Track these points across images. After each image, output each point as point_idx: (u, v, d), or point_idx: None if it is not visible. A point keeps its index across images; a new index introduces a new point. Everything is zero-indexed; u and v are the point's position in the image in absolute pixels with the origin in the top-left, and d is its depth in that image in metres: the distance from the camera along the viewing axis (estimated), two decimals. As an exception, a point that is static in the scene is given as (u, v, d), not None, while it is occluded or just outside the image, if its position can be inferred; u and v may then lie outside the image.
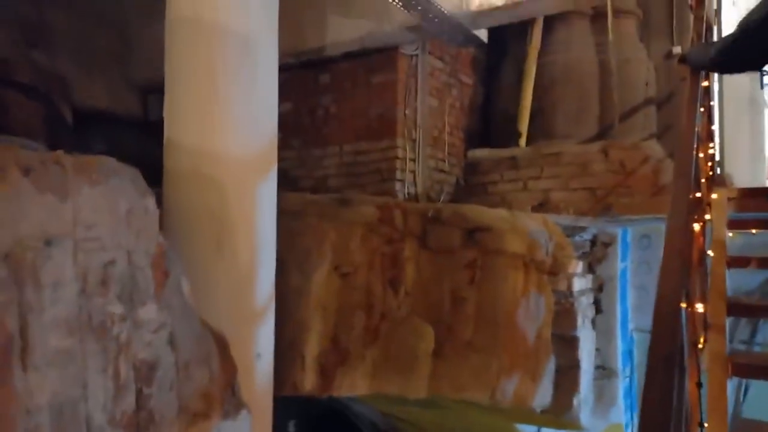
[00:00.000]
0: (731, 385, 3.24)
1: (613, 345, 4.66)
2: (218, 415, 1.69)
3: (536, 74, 5.19)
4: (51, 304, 1.33)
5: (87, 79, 4.89)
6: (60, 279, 1.35)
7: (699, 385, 2.06)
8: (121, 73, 5.21)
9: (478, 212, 3.57)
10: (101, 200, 1.43)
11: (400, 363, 3.12)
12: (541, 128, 5.25)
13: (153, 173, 2.20)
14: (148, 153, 2.75)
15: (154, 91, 4.97)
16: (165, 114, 2.34)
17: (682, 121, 2.83)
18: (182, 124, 2.27)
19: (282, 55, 3.35)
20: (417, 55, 4.56)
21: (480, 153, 5.07)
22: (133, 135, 4.95)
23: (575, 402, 4.06)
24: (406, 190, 4.53)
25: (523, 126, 5.18)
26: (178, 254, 1.83)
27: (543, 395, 3.79)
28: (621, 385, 4.66)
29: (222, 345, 1.79)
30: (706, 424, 2.10)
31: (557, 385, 4.02)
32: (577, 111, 5.20)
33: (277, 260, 2.60)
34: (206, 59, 2.22)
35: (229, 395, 1.76)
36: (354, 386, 2.94)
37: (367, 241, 3.12)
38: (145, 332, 1.50)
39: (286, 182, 4.63)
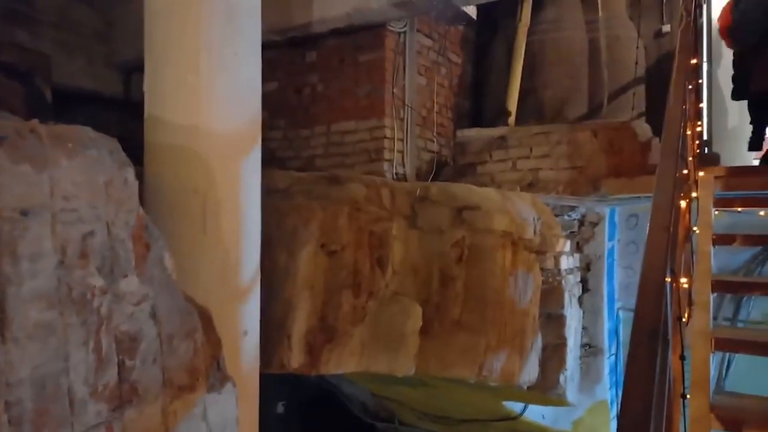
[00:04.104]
0: (714, 359, 3.29)
1: (599, 323, 4.71)
2: (203, 388, 1.69)
3: (526, 53, 5.15)
4: (29, 276, 1.31)
5: (67, 58, 4.79)
6: (38, 251, 1.33)
7: (682, 358, 2.09)
8: (103, 52, 5.11)
9: (467, 191, 3.57)
10: (79, 171, 1.40)
11: (388, 341, 3.13)
12: (530, 107, 5.23)
13: (136, 153, 2.16)
14: (131, 133, 2.71)
15: (136, 70, 4.89)
16: (145, 88, 2.29)
17: (671, 98, 2.83)
18: (163, 99, 2.22)
19: (267, 32, 3.28)
20: (405, 33, 4.51)
21: (469, 133, 5.05)
22: (116, 115, 4.87)
23: (562, 379, 4.11)
24: (394, 171, 4.51)
25: (513, 105, 5.17)
26: (161, 230, 1.80)
27: (530, 372, 3.83)
28: (607, 362, 4.73)
29: (206, 319, 1.78)
30: (688, 396, 2.14)
31: (544, 363, 4.06)
32: (566, 90, 5.19)
33: (264, 239, 2.58)
34: (186, 31, 2.17)
35: (214, 369, 1.76)
36: (341, 364, 2.95)
37: (355, 219, 3.10)
38: (126, 305, 1.48)
39: (273, 163, 4.59)
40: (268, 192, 2.74)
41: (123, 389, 1.46)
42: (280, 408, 5.21)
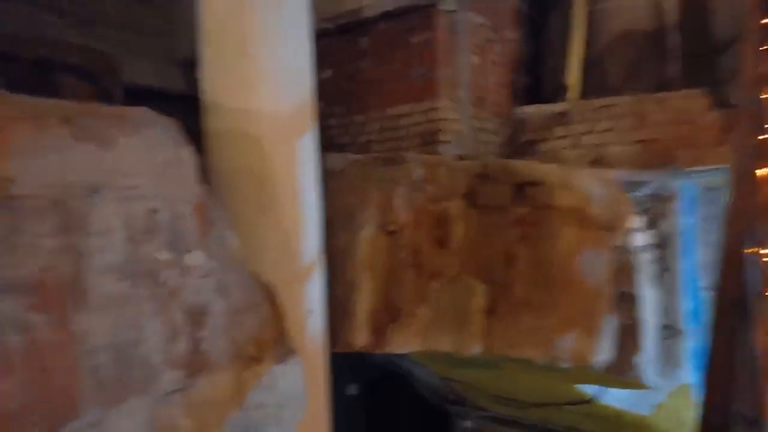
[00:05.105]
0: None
1: (678, 303, 4.46)
2: (270, 359, 1.72)
3: (586, 23, 4.93)
4: (100, 250, 1.38)
5: (134, 57, 5.02)
6: (107, 226, 1.39)
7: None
8: (166, 49, 5.32)
9: (528, 167, 3.46)
10: (139, 150, 1.45)
11: (452, 320, 3.09)
12: (594, 81, 5.00)
13: (201, 145, 2.22)
14: (195, 126, 2.80)
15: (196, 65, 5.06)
16: (202, 76, 2.35)
17: (745, 61, 2.63)
18: (216, 85, 2.28)
19: (319, 20, 3.30)
20: (456, 11, 4.41)
21: (527, 110, 4.89)
22: (181, 110, 5.07)
23: (638, 361, 3.92)
24: (451, 152, 4.44)
25: (573, 79, 4.95)
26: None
27: (603, 353, 3.68)
28: (688, 344, 4.47)
29: (270, 295, 1.81)
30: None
31: (619, 344, 3.89)
32: (632, 60, 4.92)
33: (324, 221, 2.60)
34: (235, 16, 2.20)
35: (279, 342, 1.79)
36: (406, 343, 2.94)
37: (413, 199, 3.08)
38: (193, 278, 1.53)
39: (330, 150, 4.63)
40: (325, 174, 2.76)
41: (195, 358, 1.51)
42: (353, 389, 5.28)
